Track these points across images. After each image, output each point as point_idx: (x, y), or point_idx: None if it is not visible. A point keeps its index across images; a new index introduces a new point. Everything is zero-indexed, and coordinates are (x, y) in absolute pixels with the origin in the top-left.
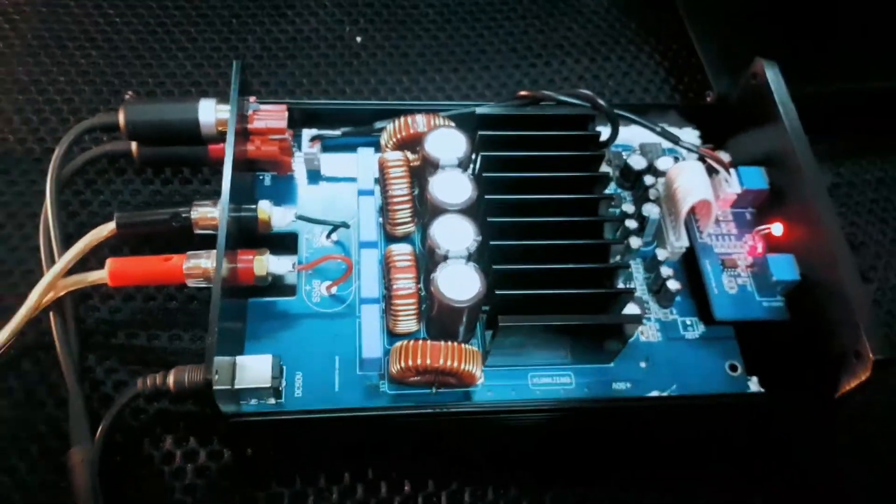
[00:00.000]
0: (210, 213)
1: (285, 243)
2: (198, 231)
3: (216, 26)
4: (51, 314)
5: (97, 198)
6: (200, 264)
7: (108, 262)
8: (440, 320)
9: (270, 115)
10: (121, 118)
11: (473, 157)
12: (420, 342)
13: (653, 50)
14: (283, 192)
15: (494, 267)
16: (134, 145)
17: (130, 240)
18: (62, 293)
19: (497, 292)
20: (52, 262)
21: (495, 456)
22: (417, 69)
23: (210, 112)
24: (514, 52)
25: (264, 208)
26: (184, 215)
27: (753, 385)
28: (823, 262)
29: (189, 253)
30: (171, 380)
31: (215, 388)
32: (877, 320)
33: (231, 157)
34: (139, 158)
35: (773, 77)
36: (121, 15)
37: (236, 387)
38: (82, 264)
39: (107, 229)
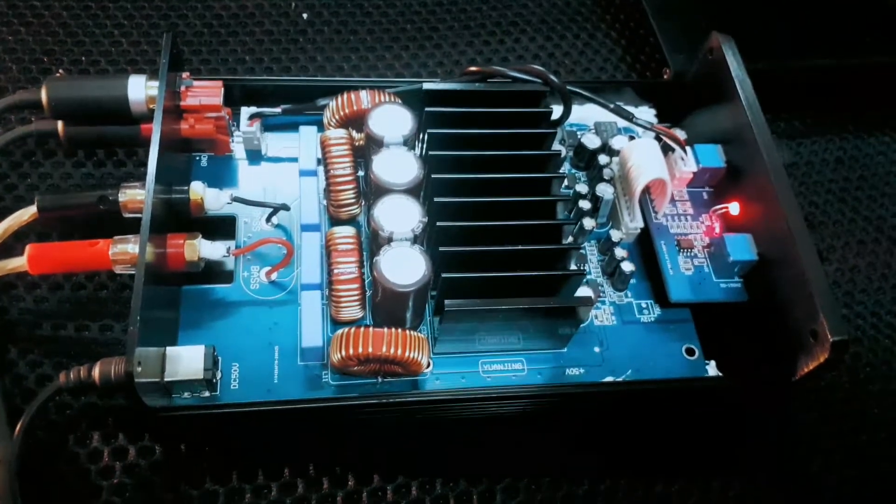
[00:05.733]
0: (139, 196)
1: (223, 227)
2: (127, 215)
3: (154, 1)
4: None
5: (24, 181)
6: (128, 249)
7: (28, 248)
8: (385, 306)
9: (204, 92)
10: (43, 95)
11: (420, 134)
12: (362, 329)
13: (609, 27)
14: (221, 173)
15: (441, 249)
16: (60, 125)
17: (58, 225)
18: None
19: (443, 275)
20: None
21: (443, 447)
22: (366, 47)
23: (140, 88)
24: (467, 30)
25: (196, 189)
26: (111, 198)
27: (711, 369)
28: (781, 241)
29: (116, 237)
30: (96, 373)
31: (137, 380)
32: (835, 301)
33: (158, 134)
34: (66, 139)
35: (729, 52)
36: None
37: (166, 379)
38: (6, 252)
39: (28, 213)
